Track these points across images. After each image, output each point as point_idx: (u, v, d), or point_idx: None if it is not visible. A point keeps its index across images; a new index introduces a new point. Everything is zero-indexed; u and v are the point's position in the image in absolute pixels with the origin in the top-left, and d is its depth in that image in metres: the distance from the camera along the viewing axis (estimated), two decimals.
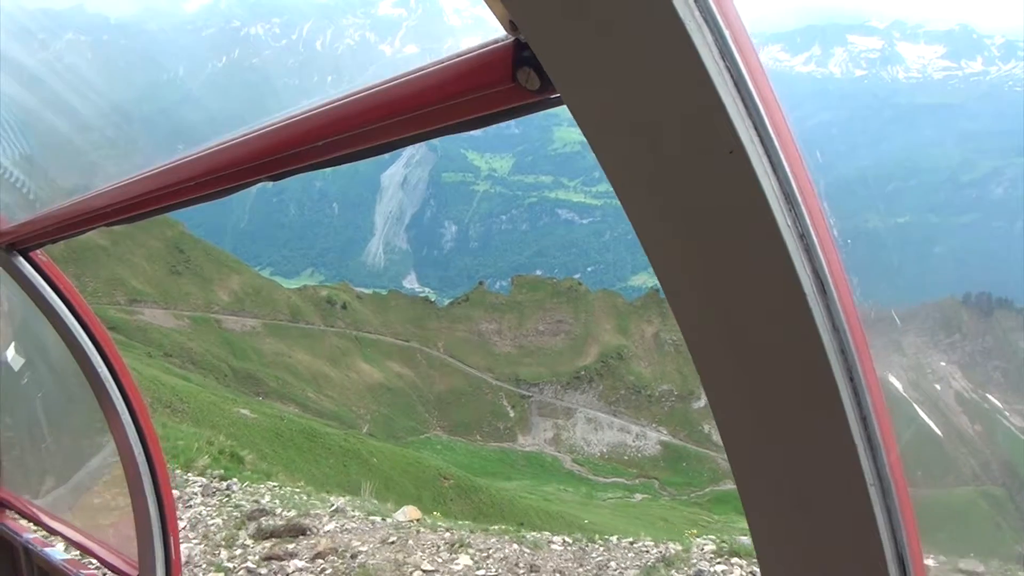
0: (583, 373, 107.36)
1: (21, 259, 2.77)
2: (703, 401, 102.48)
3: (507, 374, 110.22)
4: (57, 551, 4.21)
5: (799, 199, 0.83)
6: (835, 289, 0.87)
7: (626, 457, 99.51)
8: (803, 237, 0.83)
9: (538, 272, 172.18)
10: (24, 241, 2.69)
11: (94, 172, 2.55)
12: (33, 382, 4.67)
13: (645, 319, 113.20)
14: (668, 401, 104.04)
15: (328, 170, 1.70)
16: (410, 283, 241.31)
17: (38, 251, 2.78)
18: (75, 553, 4.40)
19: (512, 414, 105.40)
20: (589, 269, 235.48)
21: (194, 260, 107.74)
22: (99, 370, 2.86)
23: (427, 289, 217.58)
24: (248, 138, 1.56)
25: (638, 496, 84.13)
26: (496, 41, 1.01)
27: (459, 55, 1.08)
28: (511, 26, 0.95)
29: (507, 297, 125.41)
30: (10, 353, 4.83)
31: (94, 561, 3.93)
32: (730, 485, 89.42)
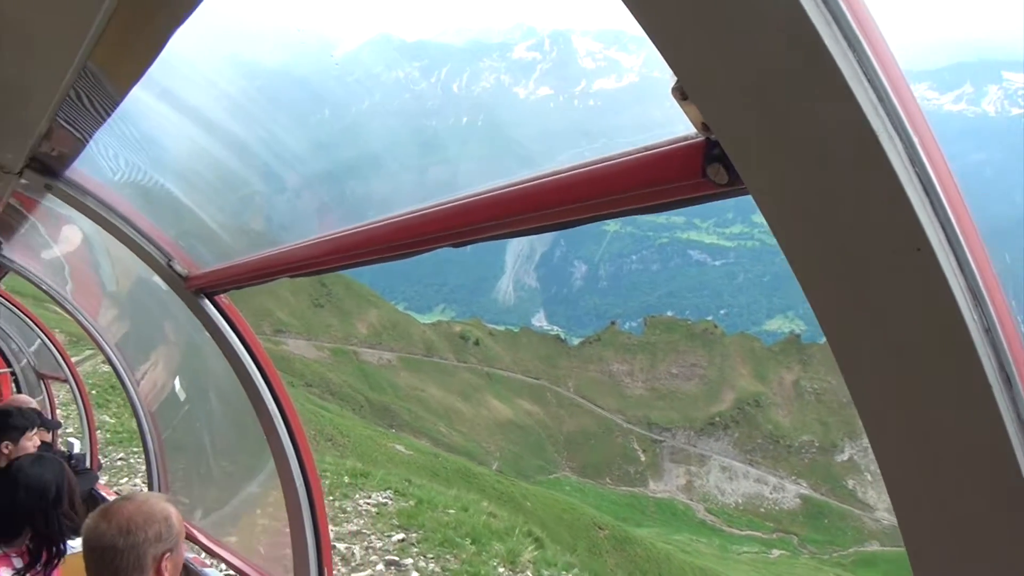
0: (718, 419, 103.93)
1: (207, 302, 3.04)
2: (847, 454, 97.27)
3: (638, 417, 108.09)
4: (214, 572, 4.40)
5: (985, 295, 0.86)
6: (1020, 380, 0.87)
7: (762, 510, 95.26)
8: (988, 331, 0.85)
9: (669, 313, 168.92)
10: (212, 286, 2.95)
11: (281, 229, 2.87)
12: (203, 412, 5.03)
13: (784, 366, 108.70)
14: (808, 453, 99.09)
15: None
16: (539, 321, 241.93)
17: (222, 295, 3.05)
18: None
19: (643, 458, 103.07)
20: (722, 312, 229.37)
21: (335, 294, 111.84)
22: (269, 406, 3.09)
23: (555, 327, 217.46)
24: (438, 211, 1.67)
25: (775, 552, 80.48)
26: (686, 138, 1.08)
27: (648, 148, 1.16)
28: (703, 127, 1.03)
29: (639, 338, 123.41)
30: (177, 384, 5.25)
31: None
32: (877, 546, 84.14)
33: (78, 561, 2.52)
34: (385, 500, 13.56)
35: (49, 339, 8.43)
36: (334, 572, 3.59)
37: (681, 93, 0.97)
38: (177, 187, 2.94)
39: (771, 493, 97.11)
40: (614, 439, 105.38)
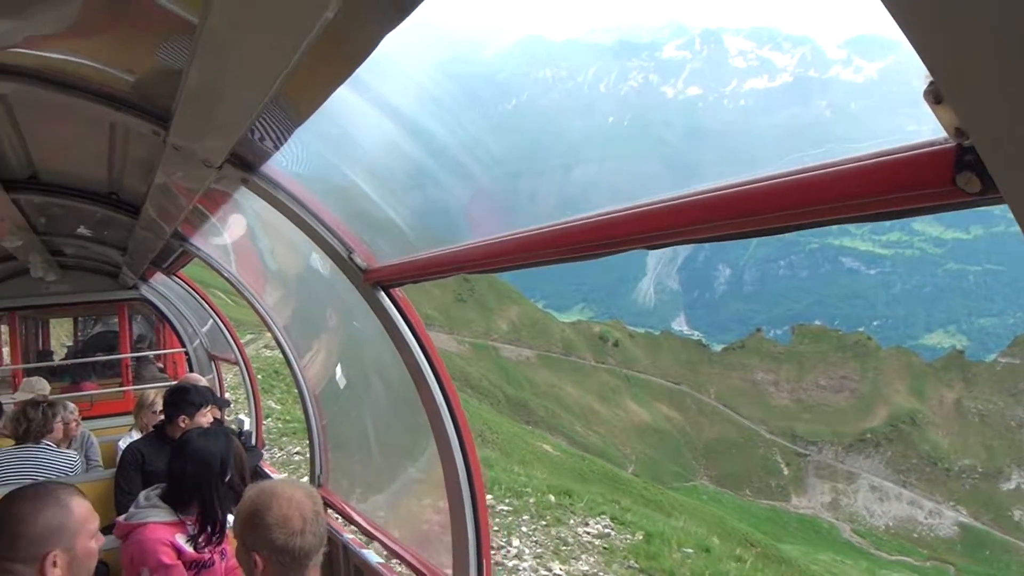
0: (868, 436, 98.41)
1: (383, 294, 3.15)
2: (1014, 482, 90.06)
3: (782, 428, 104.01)
4: (372, 554, 4.49)
5: None
6: None
7: (915, 535, 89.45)
8: None
9: (817, 323, 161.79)
10: (389, 279, 3.05)
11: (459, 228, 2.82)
12: (364, 398, 5.16)
13: (945, 383, 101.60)
14: (970, 478, 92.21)
15: None
16: (679, 325, 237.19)
17: (398, 289, 3.15)
18: (390, 559, 4.75)
19: (786, 472, 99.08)
20: (875, 323, 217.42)
21: (478, 290, 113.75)
22: (436, 397, 3.15)
23: (696, 332, 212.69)
24: (633, 213, 1.62)
25: None
26: (933, 144, 1.02)
27: (889, 153, 1.10)
28: (957, 132, 0.97)
29: (786, 347, 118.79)
30: (339, 371, 5.44)
31: (406, 570, 4.11)
32: None
33: None
34: (606, 530, 12.96)
35: (221, 321, 8.75)
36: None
37: (935, 96, 0.91)
38: (365, 182, 2.99)
39: (926, 518, 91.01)
40: (756, 450, 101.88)
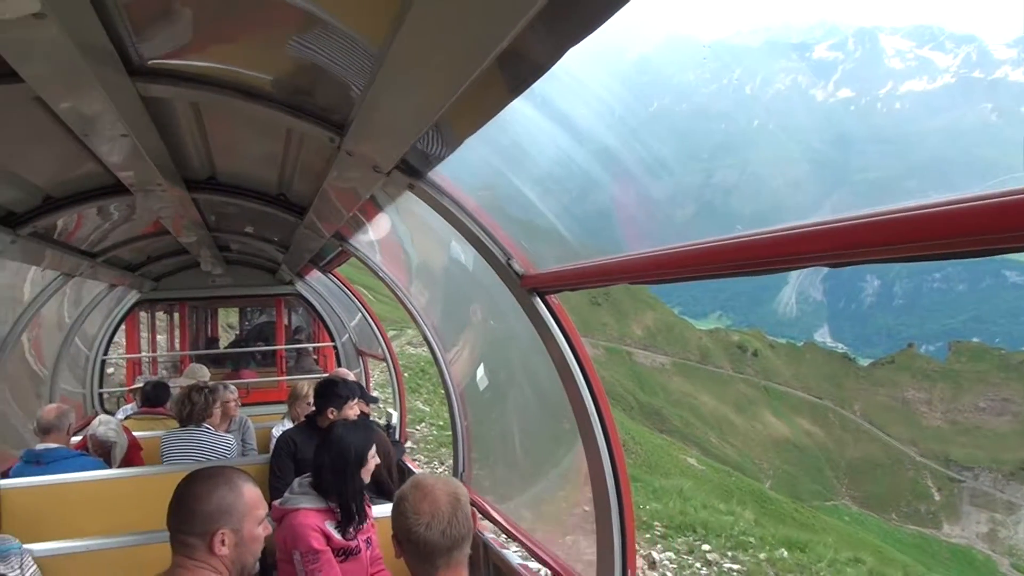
0: None
1: (539, 300, 3.14)
2: None
3: (934, 451, 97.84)
4: (511, 554, 4.50)
5: None
6: None
7: None
8: None
9: (975, 340, 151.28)
10: (547, 286, 3.06)
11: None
12: (509, 400, 5.26)
13: None
14: None
15: None
16: (821, 336, 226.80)
17: (554, 296, 3.14)
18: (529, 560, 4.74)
19: (937, 498, 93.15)
20: None
21: (613, 293, 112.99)
22: (587, 404, 3.13)
23: (840, 345, 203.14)
24: (817, 230, 1.57)
25: None
26: None
27: None
28: None
29: (941, 364, 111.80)
30: (480, 371, 5.50)
31: (548, 572, 4.08)
32: None
33: (389, 526, 2.68)
34: None
35: (370, 316, 8.98)
36: None
37: None
38: (529, 189, 3.01)
39: None
40: (904, 472, 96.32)
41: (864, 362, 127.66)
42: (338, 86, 2.45)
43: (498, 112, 2.13)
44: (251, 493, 2.61)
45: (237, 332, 19.80)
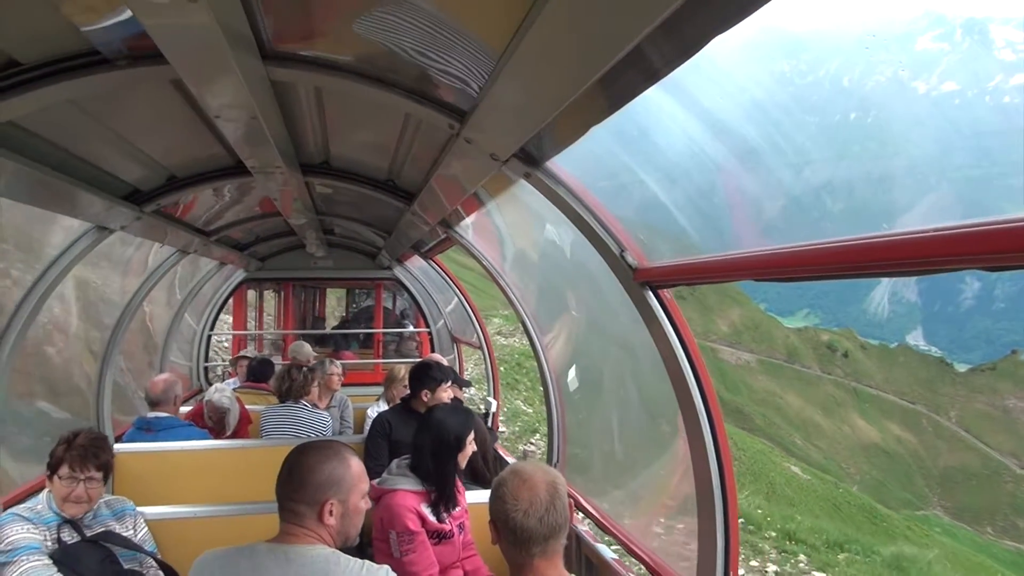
0: None
1: (651, 294, 3.10)
2: None
3: None
4: (605, 548, 4.45)
5: None
6: None
7: None
8: None
9: None
10: (661, 279, 3.01)
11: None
12: (611, 396, 5.20)
13: None
14: None
15: None
16: (914, 339, 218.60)
17: (667, 290, 3.11)
18: (624, 557, 4.74)
19: None
20: None
21: (699, 287, 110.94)
22: (695, 400, 3.06)
23: (934, 348, 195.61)
24: (967, 232, 1.50)
25: None
26: None
27: None
28: None
29: None
30: (572, 373, 5.57)
31: (643, 568, 4.08)
32: None
33: (483, 512, 2.75)
34: None
35: (467, 303, 9.07)
36: None
37: None
38: (652, 180, 2.94)
39: None
40: (1003, 484, 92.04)
41: (962, 367, 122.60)
42: (461, 76, 2.44)
43: (627, 103, 2.08)
44: (358, 467, 2.72)
45: (343, 314, 20.22)
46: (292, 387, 6.68)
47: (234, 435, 6.79)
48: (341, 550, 2.62)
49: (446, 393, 5.54)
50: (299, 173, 4.33)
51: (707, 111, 2.50)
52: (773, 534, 13.20)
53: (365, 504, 2.74)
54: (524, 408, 20.78)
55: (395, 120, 3.39)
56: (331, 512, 2.58)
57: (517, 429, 18.47)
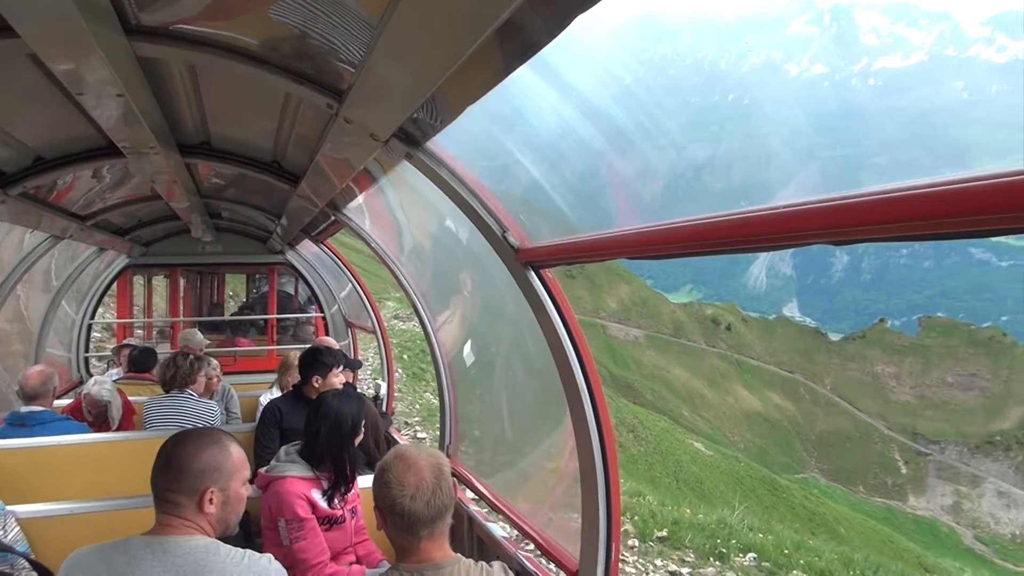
0: (998, 438, 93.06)
1: (533, 274, 3.11)
2: None
3: (902, 425, 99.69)
4: (497, 527, 4.54)
5: None
6: None
7: None
8: None
9: (939, 315, 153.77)
10: (542, 260, 3.03)
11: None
12: (497, 373, 5.27)
13: None
14: None
15: None
16: (790, 311, 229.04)
17: (548, 270, 3.12)
18: (514, 535, 4.87)
19: (904, 470, 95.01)
20: (1004, 319, 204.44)
21: (588, 266, 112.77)
22: (577, 379, 3.12)
23: (808, 319, 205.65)
24: (819, 207, 1.57)
25: None
26: None
27: None
28: None
29: (911, 339, 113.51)
30: (467, 348, 5.56)
31: (531, 546, 4.16)
32: None
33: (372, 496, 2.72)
34: None
35: (360, 288, 9.07)
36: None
37: None
38: (529, 160, 2.97)
39: None
40: (872, 445, 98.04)
41: (835, 337, 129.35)
42: (338, 52, 2.41)
43: (500, 81, 2.08)
44: (238, 453, 2.66)
45: (245, 300, 19.85)
46: (177, 375, 6.39)
47: (119, 428, 6.54)
48: (221, 539, 2.56)
49: (338, 379, 5.50)
50: (177, 154, 4.21)
51: (583, 95, 2.53)
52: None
53: (246, 491, 2.70)
54: (436, 401, 19.73)
55: (275, 99, 3.32)
56: (211, 501, 2.52)
57: (438, 432, 17.32)
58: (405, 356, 22.07)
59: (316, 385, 5.40)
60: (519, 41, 1.80)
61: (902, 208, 1.34)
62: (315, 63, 2.61)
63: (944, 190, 1.24)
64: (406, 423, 16.29)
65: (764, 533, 12.98)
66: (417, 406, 18.23)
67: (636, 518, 11.92)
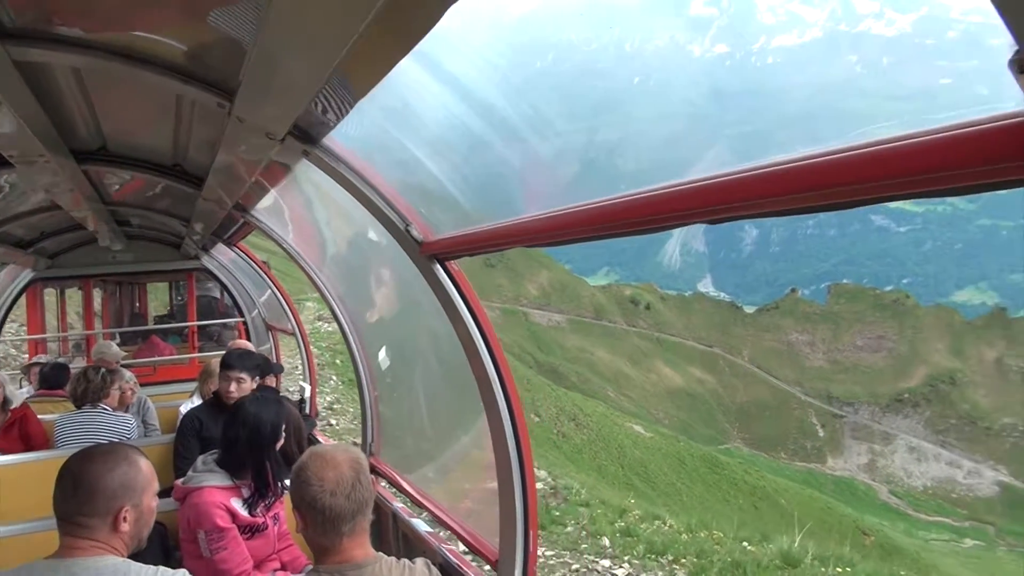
0: (906, 396, 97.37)
1: (439, 267, 3.13)
2: None
3: (818, 390, 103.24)
4: (420, 522, 4.57)
5: None
6: None
7: (954, 495, 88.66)
8: None
9: (845, 281, 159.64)
10: (446, 252, 3.04)
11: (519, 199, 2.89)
12: (416, 368, 5.31)
13: (986, 341, 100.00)
14: (1011, 437, 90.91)
15: None
16: (705, 286, 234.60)
17: (453, 261, 3.14)
18: (437, 528, 4.86)
19: (821, 433, 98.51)
20: (904, 281, 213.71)
21: (508, 254, 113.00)
22: (488, 370, 3.16)
23: (723, 293, 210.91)
24: (696, 187, 1.61)
25: (968, 542, 74.75)
26: (1015, 116, 0.98)
27: (966, 125, 1.05)
28: None
29: (821, 307, 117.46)
30: (382, 352, 5.57)
31: (455, 538, 4.19)
32: None
33: None
34: None
35: (279, 292, 8.98)
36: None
37: (1021, 65, 0.87)
38: (423, 153, 2.97)
39: (965, 478, 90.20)
40: (791, 412, 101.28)
41: (749, 309, 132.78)
42: (224, 49, 2.34)
43: (387, 72, 2.08)
44: (147, 466, 2.59)
45: (168, 308, 19.35)
46: (89, 389, 6.11)
47: (29, 448, 6.23)
48: (135, 554, 2.51)
49: (253, 384, 5.35)
50: (72, 162, 4.03)
51: (487, 86, 2.51)
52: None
53: (156, 502, 2.64)
54: (389, 414, 19.01)
55: (168, 101, 3.22)
56: (125, 519, 2.44)
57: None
58: (338, 361, 21.09)
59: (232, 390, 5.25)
60: (401, 29, 1.80)
61: (788, 181, 1.35)
62: (202, 61, 2.55)
63: (832, 159, 1.25)
64: (355, 443, 15.55)
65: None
66: (355, 421, 17.59)
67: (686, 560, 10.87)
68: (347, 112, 2.53)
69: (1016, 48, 0.84)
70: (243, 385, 5.25)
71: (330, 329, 25.83)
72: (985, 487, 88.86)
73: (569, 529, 11.64)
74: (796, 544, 11.38)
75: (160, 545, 4.33)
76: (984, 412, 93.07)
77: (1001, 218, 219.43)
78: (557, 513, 12.50)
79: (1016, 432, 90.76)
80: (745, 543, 11.86)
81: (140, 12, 2.26)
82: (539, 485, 14.51)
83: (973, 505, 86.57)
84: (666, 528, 12.41)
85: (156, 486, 2.63)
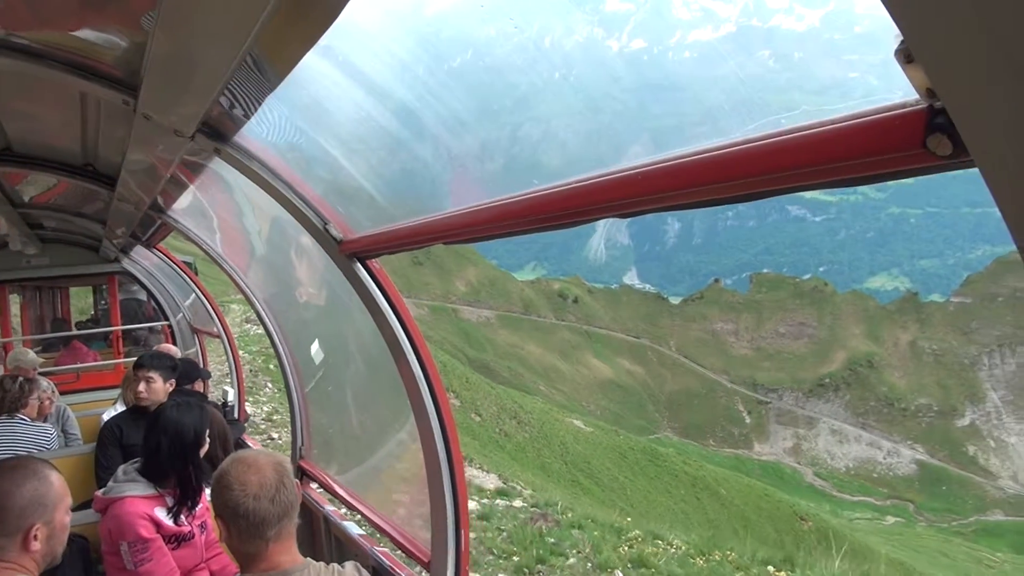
0: (827, 381, 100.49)
1: (359, 265, 3.12)
2: (968, 419, 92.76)
3: (743, 377, 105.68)
4: (353, 525, 4.57)
5: None
6: None
7: (875, 475, 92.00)
8: None
9: (765, 270, 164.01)
10: (366, 250, 3.03)
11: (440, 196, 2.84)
12: (343, 369, 5.26)
13: (900, 325, 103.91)
14: (926, 417, 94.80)
15: None
16: (630, 279, 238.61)
17: (375, 260, 3.13)
18: (370, 531, 4.78)
19: (748, 420, 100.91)
20: (821, 269, 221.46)
21: (435, 251, 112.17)
22: (414, 369, 3.16)
23: (648, 285, 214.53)
24: (609, 180, 1.61)
25: (889, 519, 77.65)
26: (905, 105, 1.01)
27: (859, 116, 1.09)
28: (928, 93, 0.96)
29: (744, 296, 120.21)
30: (315, 345, 5.47)
31: (387, 540, 4.16)
32: (1001, 516, 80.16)
33: None
34: None
35: (203, 295, 8.85)
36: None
37: (906, 56, 0.90)
38: (338, 151, 2.93)
39: (885, 458, 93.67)
40: (718, 400, 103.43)
41: (675, 300, 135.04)
42: (126, 42, 2.25)
43: (295, 64, 2.03)
44: (59, 481, 2.51)
45: (93, 313, 18.59)
46: (5, 399, 5.90)
47: None
48: (54, 570, 2.47)
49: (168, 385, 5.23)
50: None
51: (402, 83, 2.48)
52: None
53: (69, 518, 2.56)
54: (319, 417, 18.28)
55: (72, 99, 3.10)
56: (36, 537, 2.36)
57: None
58: (272, 366, 20.07)
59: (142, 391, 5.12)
60: (306, 21, 1.75)
61: (694, 173, 1.36)
62: (103, 56, 2.42)
63: (736, 151, 1.26)
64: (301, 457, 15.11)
65: None
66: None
67: None
68: (257, 108, 2.46)
69: (901, 39, 0.86)
70: (153, 385, 5.10)
71: (259, 332, 24.89)
72: (904, 466, 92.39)
73: (572, 561, 10.74)
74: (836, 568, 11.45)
75: (81, 559, 4.24)
76: (901, 393, 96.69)
77: (909, 206, 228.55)
78: (552, 540, 11.50)
79: (931, 412, 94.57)
80: (770, 567, 11.79)
81: (35, 6, 2.13)
82: (520, 504, 14.31)
83: (893, 483, 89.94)
84: (672, 551, 11.96)
85: (69, 501, 2.55)
